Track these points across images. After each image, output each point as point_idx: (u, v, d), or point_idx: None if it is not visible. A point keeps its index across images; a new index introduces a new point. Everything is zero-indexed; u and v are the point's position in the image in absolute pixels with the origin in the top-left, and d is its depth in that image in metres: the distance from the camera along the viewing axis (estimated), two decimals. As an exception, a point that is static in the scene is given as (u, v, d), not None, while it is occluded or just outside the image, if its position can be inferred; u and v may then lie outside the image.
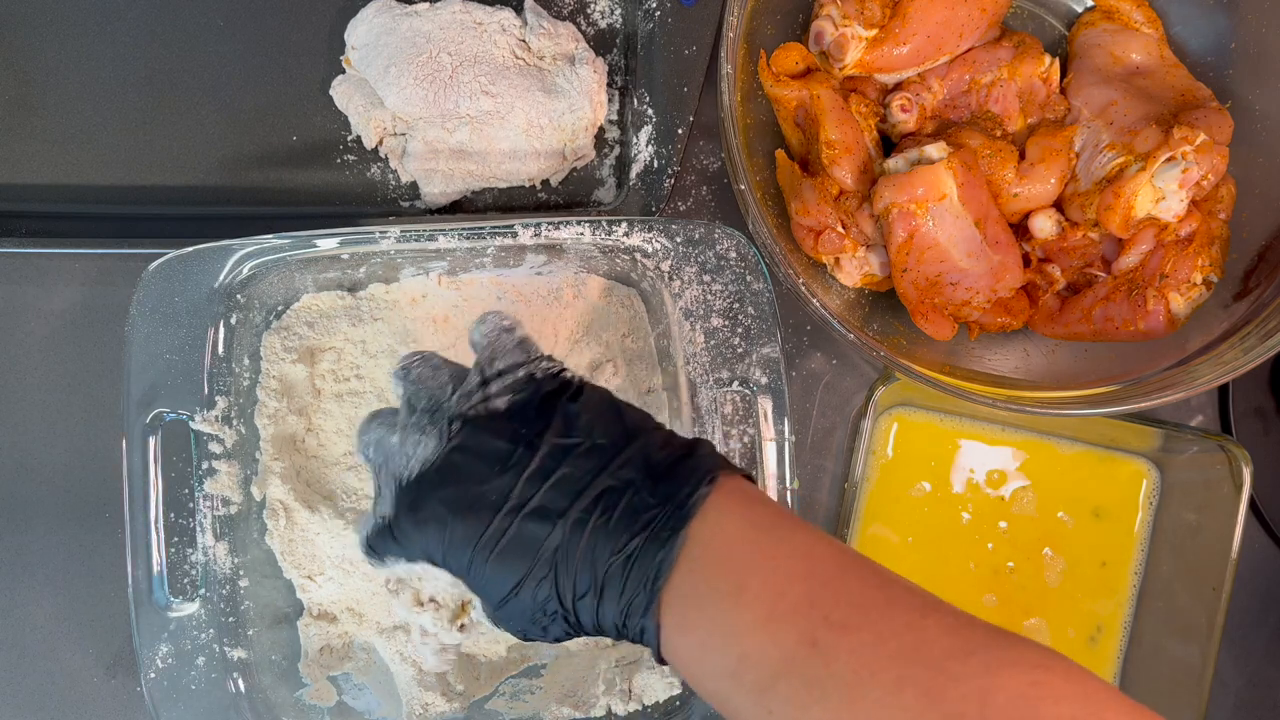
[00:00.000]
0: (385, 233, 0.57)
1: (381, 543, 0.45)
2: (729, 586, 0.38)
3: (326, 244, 0.57)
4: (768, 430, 0.57)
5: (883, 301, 0.64)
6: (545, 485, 0.41)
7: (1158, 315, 0.58)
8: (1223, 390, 0.68)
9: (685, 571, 0.39)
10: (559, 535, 0.40)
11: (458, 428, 0.43)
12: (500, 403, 0.43)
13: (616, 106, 0.66)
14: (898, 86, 0.63)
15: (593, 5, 0.67)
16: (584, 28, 0.66)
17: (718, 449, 0.47)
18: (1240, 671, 0.68)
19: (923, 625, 0.36)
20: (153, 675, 0.55)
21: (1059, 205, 0.61)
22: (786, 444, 0.57)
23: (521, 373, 0.44)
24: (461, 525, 0.41)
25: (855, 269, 0.62)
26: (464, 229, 0.57)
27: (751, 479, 0.43)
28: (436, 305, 0.62)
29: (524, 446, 0.42)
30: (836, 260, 0.62)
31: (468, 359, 0.47)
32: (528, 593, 0.41)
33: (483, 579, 0.42)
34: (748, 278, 0.57)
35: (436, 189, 0.64)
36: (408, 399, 0.46)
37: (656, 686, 0.59)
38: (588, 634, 0.42)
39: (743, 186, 0.56)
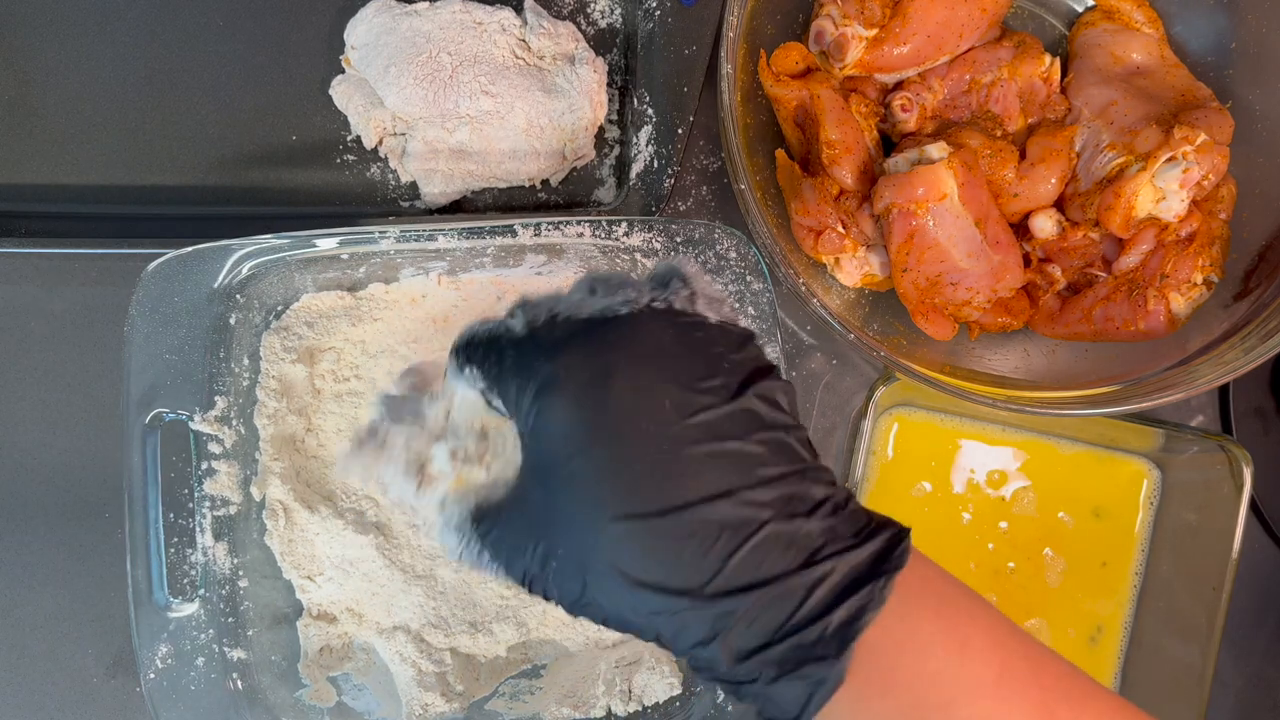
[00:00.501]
0: (385, 233, 0.57)
1: (478, 352, 0.37)
2: (953, 640, 0.33)
3: (326, 244, 0.57)
4: (768, 430, 0.57)
5: (883, 301, 0.64)
6: (733, 441, 0.33)
7: (1158, 315, 0.58)
8: (1223, 390, 0.68)
9: (896, 616, 0.33)
10: (725, 510, 0.33)
11: (661, 306, 0.35)
12: (712, 314, 0.36)
13: (616, 106, 0.66)
14: (898, 86, 0.63)
15: (592, 5, 0.66)
16: (584, 27, 0.66)
17: None
18: (1240, 672, 0.68)
19: (1136, 714, 0.35)
20: (152, 676, 0.55)
21: (1059, 205, 0.61)
22: (787, 444, 0.57)
23: (728, 312, 0.37)
24: (619, 399, 0.33)
25: (855, 269, 0.62)
26: (464, 229, 0.57)
27: None
28: (436, 305, 0.62)
29: (722, 377, 0.34)
30: (836, 260, 0.62)
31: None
32: (657, 535, 0.32)
33: (599, 471, 0.33)
34: (748, 278, 0.57)
35: (436, 189, 0.64)
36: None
37: (657, 687, 0.59)
38: (672, 651, 0.34)
39: (743, 186, 0.56)
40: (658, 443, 0.33)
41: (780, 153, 0.62)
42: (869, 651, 0.33)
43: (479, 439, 0.39)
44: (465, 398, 0.39)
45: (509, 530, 0.36)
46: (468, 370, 0.37)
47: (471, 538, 0.37)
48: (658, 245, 0.57)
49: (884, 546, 0.34)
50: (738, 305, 0.38)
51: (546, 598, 0.36)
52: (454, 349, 0.38)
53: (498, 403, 0.37)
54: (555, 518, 0.34)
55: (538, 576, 0.35)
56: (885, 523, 0.35)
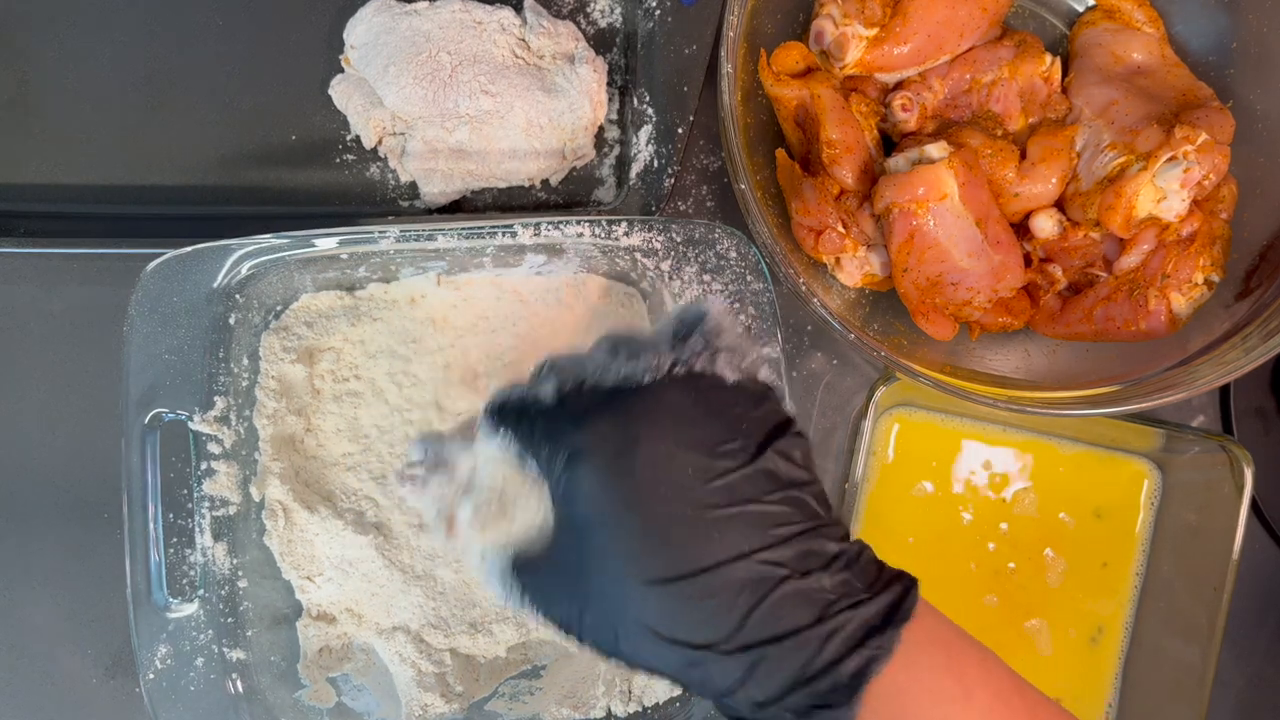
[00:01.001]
0: (384, 232, 0.56)
1: (511, 417, 0.39)
2: (957, 690, 0.36)
3: (325, 244, 0.57)
4: (768, 430, 0.57)
5: (883, 301, 0.64)
6: (751, 504, 0.36)
7: (1159, 315, 0.58)
8: (1224, 390, 0.67)
9: (902, 666, 0.35)
10: (744, 570, 0.35)
11: (681, 372, 0.38)
12: (729, 374, 0.38)
13: (616, 106, 0.66)
14: (898, 86, 0.63)
15: (592, 4, 0.66)
16: (584, 27, 0.66)
17: None
18: (1241, 672, 0.68)
19: None
20: (151, 676, 0.55)
21: (1060, 205, 0.61)
22: (787, 444, 0.57)
23: (749, 364, 0.39)
24: (643, 468, 0.35)
25: (856, 269, 0.62)
26: (463, 229, 0.57)
27: None
28: (436, 305, 0.62)
29: (741, 439, 0.36)
30: (837, 260, 0.62)
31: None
32: (680, 598, 0.35)
33: (626, 538, 0.35)
34: (748, 277, 0.57)
35: (436, 189, 0.64)
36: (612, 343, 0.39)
37: (657, 688, 0.59)
38: (701, 696, 0.37)
39: (743, 186, 0.56)
40: (681, 509, 0.35)
41: (780, 152, 0.62)
42: (876, 698, 0.35)
43: (500, 499, 0.41)
44: (490, 457, 0.41)
45: (546, 582, 0.39)
46: (502, 432, 0.40)
47: (513, 584, 0.40)
48: (658, 245, 0.57)
49: (895, 599, 0.36)
50: (757, 356, 0.41)
51: (581, 642, 0.38)
52: (488, 411, 0.40)
53: (531, 465, 0.39)
54: (586, 578, 0.37)
55: (573, 626, 0.38)
56: (896, 575, 0.38)
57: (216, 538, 0.57)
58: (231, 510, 0.58)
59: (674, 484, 0.35)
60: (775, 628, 0.35)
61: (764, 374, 0.40)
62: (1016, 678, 0.38)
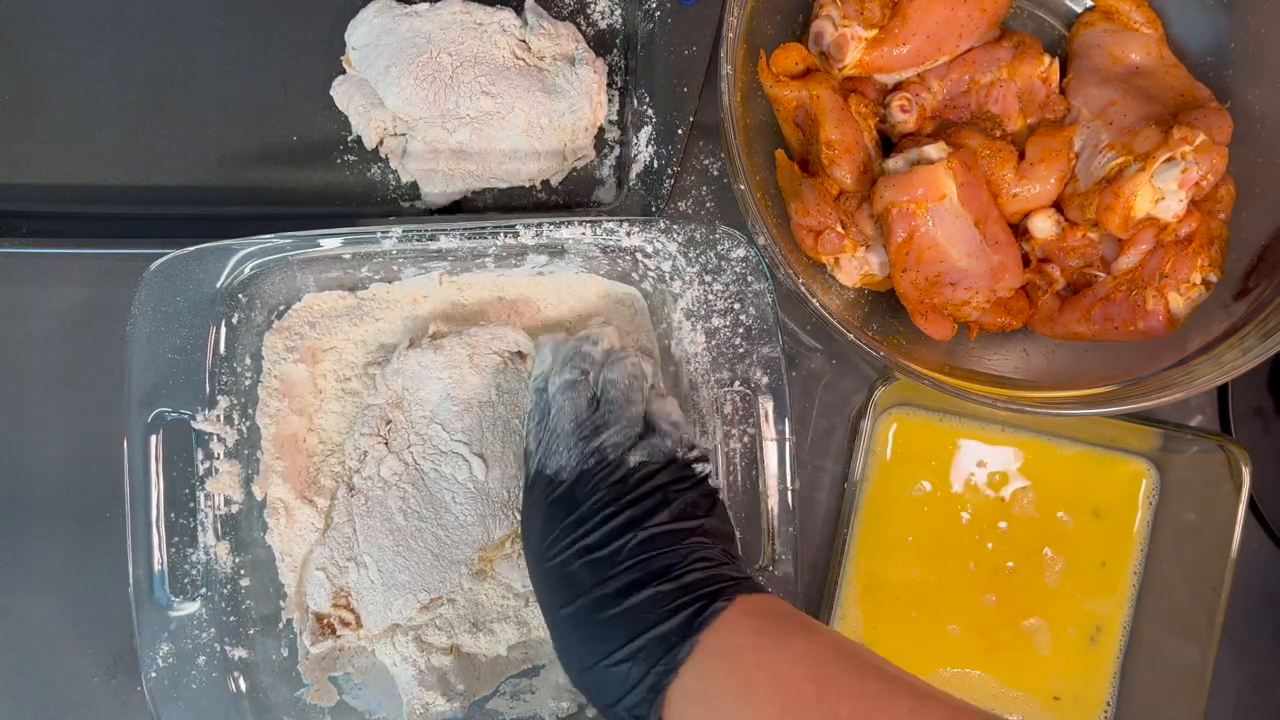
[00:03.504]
0: (387, 232, 0.57)
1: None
2: (737, 686, 0.41)
3: (329, 244, 0.57)
4: (768, 430, 0.57)
5: (882, 301, 0.64)
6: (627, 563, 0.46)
7: (1157, 315, 0.58)
8: (1222, 390, 0.68)
9: (693, 675, 0.42)
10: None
11: (593, 465, 0.49)
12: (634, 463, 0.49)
13: (616, 106, 0.66)
14: (897, 86, 0.63)
15: (593, 5, 0.67)
16: (584, 28, 0.66)
17: (732, 517, 0.52)
18: (1240, 671, 0.68)
19: (923, 712, 0.39)
20: (153, 675, 0.55)
21: (1058, 205, 0.61)
22: (787, 444, 0.58)
23: (663, 454, 0.49)
24: (549, 548, 0.48)
25: (855, 269, 0.62)
26: (465, 229, 0.57)
27: (768, 593, 0.47)
28: (438, 305, 0.62)
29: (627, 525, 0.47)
30: (836, 260, 0.62)
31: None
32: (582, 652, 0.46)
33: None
34: (748, 278, 0.57)
35: (436, 189, 0.64)
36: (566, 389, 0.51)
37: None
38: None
39: (743, 186, 0.56)
40: (587, 598, 0.47)
41: (780, 153, 0.62)
42: (669, 705, 0.43)
43: None
44: None
45: None
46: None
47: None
48: (659, 246, 0.57)
49: (691, 614, 0.44)
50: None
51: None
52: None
53: None
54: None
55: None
56: (717, 592, 0.45)
57: (219, 536, 0.57)
58: (234, 509, 0.58)
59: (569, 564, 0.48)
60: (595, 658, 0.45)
61: (665, 455, 0.50)
62: (811, 663, 0.42)
